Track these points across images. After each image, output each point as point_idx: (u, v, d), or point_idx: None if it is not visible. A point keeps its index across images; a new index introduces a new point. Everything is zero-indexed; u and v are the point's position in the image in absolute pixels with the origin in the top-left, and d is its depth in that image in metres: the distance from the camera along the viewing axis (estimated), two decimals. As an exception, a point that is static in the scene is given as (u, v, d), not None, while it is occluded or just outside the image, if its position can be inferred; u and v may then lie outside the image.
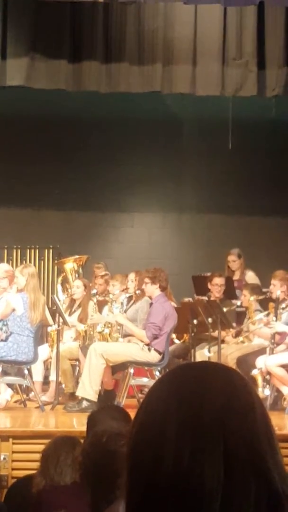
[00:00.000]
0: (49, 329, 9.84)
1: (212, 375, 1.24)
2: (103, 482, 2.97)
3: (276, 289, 9.05)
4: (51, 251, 12.89)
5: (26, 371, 8.98)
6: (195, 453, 1.16)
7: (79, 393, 8.76)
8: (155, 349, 8.91)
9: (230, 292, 10.23)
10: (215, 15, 10.21)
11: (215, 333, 9.05)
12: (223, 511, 1.15)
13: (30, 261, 12.42)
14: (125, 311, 9.49)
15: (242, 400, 1.21)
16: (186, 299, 10.19)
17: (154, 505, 1.17)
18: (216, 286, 10.03)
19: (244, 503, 1.16)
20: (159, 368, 8.99)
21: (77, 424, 7.81)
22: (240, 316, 10.04)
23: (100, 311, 9.80)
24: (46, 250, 12.91)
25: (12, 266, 10.96)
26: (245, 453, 1.17)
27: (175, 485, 1.16)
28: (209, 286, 10.06)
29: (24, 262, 12.09)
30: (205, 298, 9.75)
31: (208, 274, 10.34)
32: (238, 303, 9.88)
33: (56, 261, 12.39)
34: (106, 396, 8.97)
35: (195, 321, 9.19)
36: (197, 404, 1.19)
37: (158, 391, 1.24)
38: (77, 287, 10.14)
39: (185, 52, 10.30)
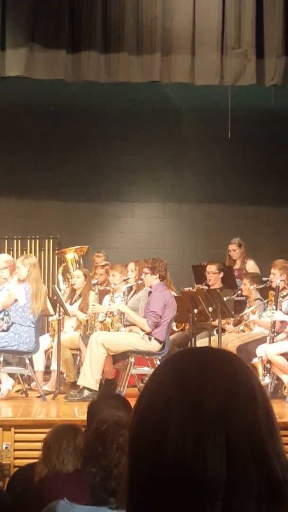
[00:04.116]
0: (50, 319, 9.87)
1: (213, 362, 1.23)
2: (100, 471, 2.99)
3: (276, 278, 9.07)
4: (51, 241, 12.89)
5: (27, 361, 9.02)
6: (197, 442, 1.15)
7: (80, 382, 8.80)
8: (155, 338, 8.94)
9: (230, 281, 10.25)
10: (213, 4, 10.18)
11: (216, 322, 9.08)
12: (226, 499, 1.15)
13: (30, 252, 12.40)
14: (126, 302, 9.52)
15: (243, 387, 1.20)
16: (187, 289, 10.21)
17: (156, 495, 1.16)
18: (208, 274, 10.06)
19: (246, 492, 1.16)
20: (159, 357, 9.02)
21: (79, 413, 7.85)
22: (240, 305, 10.06)
23: (101, 301, 9.82)
24: (47, 240, 12.92)
25: (13, 256, 10.99)
26: (246, 442, 1.17)
27: (178, 475, 1.15)
28: (206, 275, 10.11)
29: (24, 252, 12.10)
30: (205, 287, 9.78)
31: (208, 263, 10.38)
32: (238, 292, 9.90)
33: (56, 251, 12.40)
34: (107, 386, 8.99)
35: (195, 310, 9.21)
36: (198, 392, 1.18)
37: (159, 378, 1.23)
38: (78, 277, 10.16)
39: (184, 41, 10.26)
